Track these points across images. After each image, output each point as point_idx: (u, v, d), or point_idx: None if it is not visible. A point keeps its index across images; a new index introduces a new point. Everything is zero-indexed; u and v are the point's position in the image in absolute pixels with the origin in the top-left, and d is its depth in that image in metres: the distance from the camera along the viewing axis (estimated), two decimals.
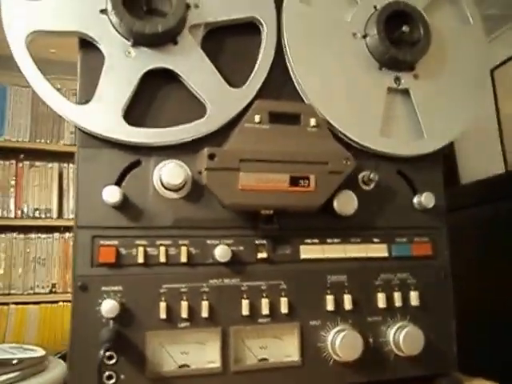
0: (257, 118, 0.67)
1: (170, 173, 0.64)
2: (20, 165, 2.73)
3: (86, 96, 0.65)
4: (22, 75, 0.63)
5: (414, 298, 0.73)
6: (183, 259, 0.65)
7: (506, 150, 2.15)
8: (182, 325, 0.64)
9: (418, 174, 0.79)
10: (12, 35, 0.63)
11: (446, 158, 0.83)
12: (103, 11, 0.65)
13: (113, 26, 0.66)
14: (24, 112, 2.77)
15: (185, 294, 0.65)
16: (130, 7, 0.65)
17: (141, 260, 0.64)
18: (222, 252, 0.66)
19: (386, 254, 0.75)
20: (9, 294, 2.58)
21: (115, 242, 0.64)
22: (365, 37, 0.76)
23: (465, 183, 2.16)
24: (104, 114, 0.64)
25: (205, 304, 0.65)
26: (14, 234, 2.65)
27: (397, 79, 0.77)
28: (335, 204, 0.70)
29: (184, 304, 0.64)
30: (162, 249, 0.65)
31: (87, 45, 0.67)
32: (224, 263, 0.66)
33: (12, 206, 2.66)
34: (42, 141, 2.79)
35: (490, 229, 1.63)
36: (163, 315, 0.63)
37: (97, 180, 0.64)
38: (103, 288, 0.62)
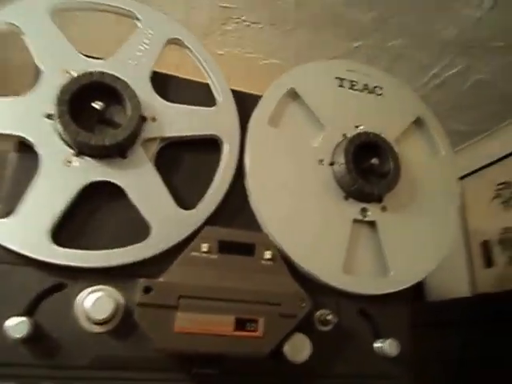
0: (204, 247, 0.60)
1: (95, 304, 0.55)
2: None
3: (8, 206, 0.57)
4: None
5: None
6: None
7: (474, 270, 2.13)
8: None
9: (382, 315, 0.71)
10: None
11: None
12: (49, 116, 0.60)
13: (57, 132, 0.60)
14: None
15: None
16: (80, 114, 0.59)
17: None
18: None
19: None
20: None
21: None
22: (332, 164, 0.72)
23: (430, 300, 2.10)
24: (26, 230, 0.55)
25: None
26: None
27: (363, 210, 0.72)
28: (286, 349, 0.62)
29: None
30: None
31: (25, 149, 0.60)
32: None
33: None
34: None
35: (451, 353, 1.56)
36: None
37: (2, 305, 0.54)
38: None
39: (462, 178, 2.16)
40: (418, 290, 2.21)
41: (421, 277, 0.73)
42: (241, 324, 0.58)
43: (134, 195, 0.61)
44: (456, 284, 2.14)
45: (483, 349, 1.54)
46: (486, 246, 2.10)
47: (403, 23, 1.36)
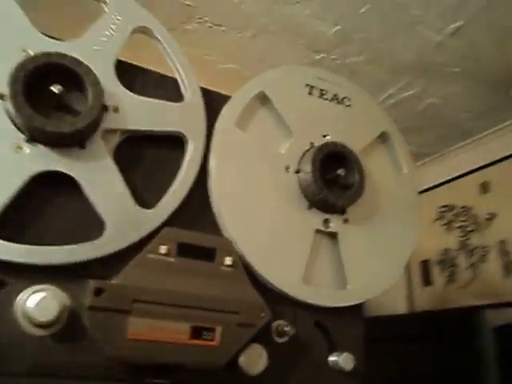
0: (163, 249, 0.56)
1: (38, 305, 0.50)
2: None
3: None
4: None
5: None
6: None
7: (412, 288, 2.19)
8: None
9: (338, 327, 0.70)
10: None
11: None
12: (1, 97, 0.54)
13: (8, 114, 0.54)
14: None
15: None
16: (36, 98, 0.54)
17: None
18: None
19: None
20: None
21: None
22: (298, 172, 0.70)
23: (368, 316, 2.13)
24: None
25: None
26: None
27: (326, 221, 0.71)
28: (241, 360, 0.59)
29: None
30: None
31: None
32: None
33: None
34: None
35: (388, 369, 1.58)
36: None
37: None
38: None
39: None
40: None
41: (379, 292, 0.73)
42: (197, 332, 0.55)
43: (89, 189, 0.56)
44: (394, 301, 2.19)
45: (419, 365, 1.58)
46: (425, 266, 2.18)
47: (365, 41, 1.39)
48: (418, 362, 1.58)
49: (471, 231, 1.98)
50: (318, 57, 1.47)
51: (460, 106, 1.69)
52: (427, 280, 2.15)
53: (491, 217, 1.89)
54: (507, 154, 1.83)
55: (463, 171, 2.04)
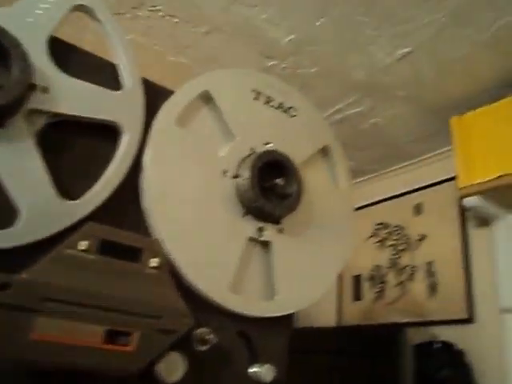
0: (83, 245, 0.52)
1: None
2: None
3: None
4: None
5: None
6: None
7: (343, 302, 2.22)
8: None
9: (263, 338, 0.69)
10: None
11: None
12: None
13: None
14: None
15: None
16: None
17: None
18: None
19: None
20: None
21: None
22: (236, 177, 0.68)
23: (299, 327, 2.15)
24: None
25: None
26: None
27: (260, 230, 0.70)
28: (158, 368, 0.56)
29: None
30: None
31: None
32: None
33: None
34: None
35: (312, 380, 1.60)
36: None
37: None
38: None
39: None
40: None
41: (306, 304, 0.72)
42: (111, 336, 0.51)
43: (3, 171, 0.51)
44: (326, 314, 2.22)
45: (344, 378, 1.60)
46: (357, 280, 2.22)
47: (318, 53, 1.40)
48: (342, 375, 1.60)
49: (402, 250, 2.04)
50: (270, 63, 1.46)
51: (402, 129, 1.74)
52: (357, 295, 2.20)
53: (421, 238, 1.96)
54: (441, 178, 1.91)
55: (400, 191, 2.11)
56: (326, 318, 2.22)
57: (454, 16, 1.20)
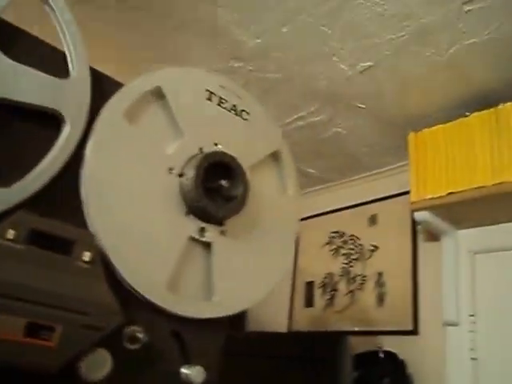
0: (10, 234, 0.51)
1: None
2: None
3: None
4: None
5: None
6: None
7: (295, 308, 2.23)
8: None
9: (197, 339, 0.68)
10: None
11: None
12: None
13: None
14: None
15: None
16: None
17: None
18: None
19: None
20: None
21: None
22: (181, 176, 0.68)
23: (248, 331, 2.15)
24: None
25: None
26: None
27: (202, 230, 0.69)
28: (81, 365, 0.54)
29: None
30: None
31: None
32: None
33: None
34: None
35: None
36: None
37: None
38: None
39: (301, 219, 2.29)
40: (239, 318, 2.24)
41: (243, 307, 0.72)
42: (33, 330, 0.49)
43: None
44: (277, 319, 2.23)
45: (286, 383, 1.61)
46: (309, 287, 2.24)
47: (283, 60, 1.41)
48: (284, 380, 1.61)
49: (355, 259, 2.07)
50: (235, 64, 1.46)
51: (361, 140, 1.77)
52: (309, 301, 2.22)
53: (374, 248, 2.00)
54: (396, 192, 1.96)
55: (357, 201, 2.14)
56: (278, 323, 2.24)
57: (415, 36, 1.24)
